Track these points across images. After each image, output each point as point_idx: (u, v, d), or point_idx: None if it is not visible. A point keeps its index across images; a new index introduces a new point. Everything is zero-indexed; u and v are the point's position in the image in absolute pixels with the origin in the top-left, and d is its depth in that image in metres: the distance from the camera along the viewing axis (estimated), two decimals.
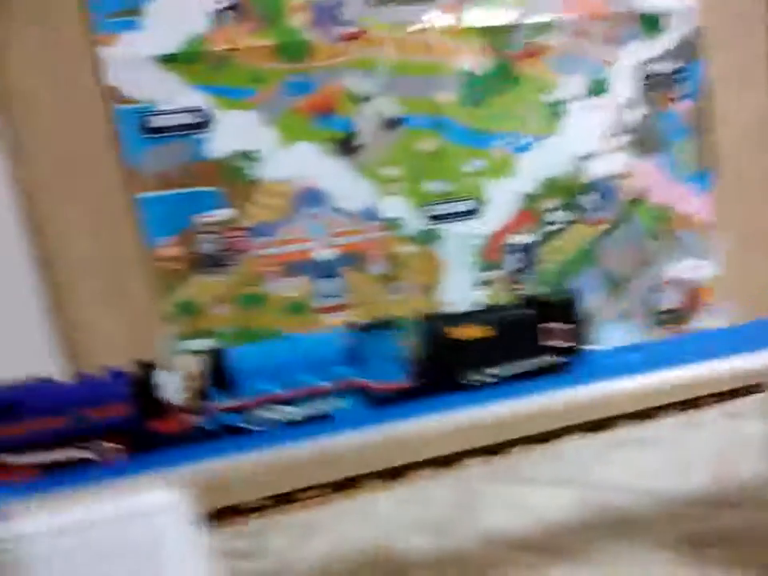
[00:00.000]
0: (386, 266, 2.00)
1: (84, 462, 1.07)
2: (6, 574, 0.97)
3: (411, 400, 1.19)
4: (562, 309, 1.26)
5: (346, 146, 1.94)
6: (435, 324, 1.23)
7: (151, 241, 1.84)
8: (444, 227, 2.03)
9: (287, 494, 1.76)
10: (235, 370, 1.13)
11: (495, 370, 1.22)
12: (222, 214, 1.88)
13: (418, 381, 1.20)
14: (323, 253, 1.96)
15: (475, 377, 1.22)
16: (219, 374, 1.13)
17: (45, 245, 1.77)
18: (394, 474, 1.94)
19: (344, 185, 1.95)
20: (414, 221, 2.01)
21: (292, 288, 1.95)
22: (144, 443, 1.10)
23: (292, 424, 1.13)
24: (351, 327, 1.21)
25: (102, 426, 1.07)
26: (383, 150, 1.97)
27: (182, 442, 1.11)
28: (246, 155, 1.88)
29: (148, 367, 1.12)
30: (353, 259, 1.98)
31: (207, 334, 1.89)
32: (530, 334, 1.24)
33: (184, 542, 1.03)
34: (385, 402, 1.18)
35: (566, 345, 1.25)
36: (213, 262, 1.88)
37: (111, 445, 1.08)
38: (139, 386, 1.10)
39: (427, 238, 2.02)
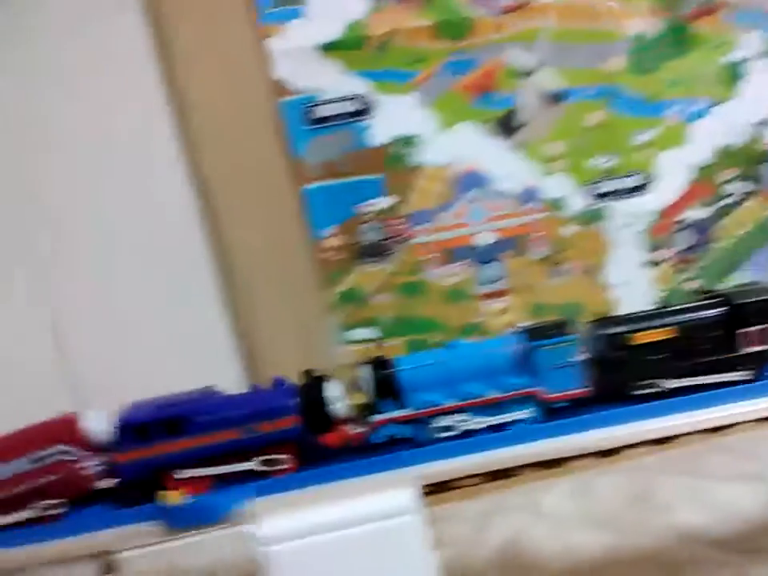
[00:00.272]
0: (548, 248, 1.94)
1: (254, 475, 1.09)
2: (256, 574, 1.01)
3: (586, 409, 1.14)
4: (760, 307, 1.14)
5: (507, 124, 1.88)
6: (613, 328, 1.17)
7: (316, 231, 1.88)
8: (610, 205, 1.93)
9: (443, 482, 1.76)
10: (403, 380, 1.12)
11: (679, 380, 1.15)
12: (384, 201, 1.88)
13: (593, 389, 1.15)
14: (483, 237, 1.93)
15: (655, 386, 1.15)
16: (386, 385, 1.12)
17: (220, 242, 1.85)
18: (549, 462, 1.89)
19: (505, 165, 1.89)
20: (578, 200, 1.93)
21: (452, 275, 1.93)
22: (312, 456, 1.10)
23: (464, 435, 1.12)
24: (521, 332, 1.17)
25: (272, 438, 1.08)
26: (546, 127, 1.89)
27: (351, 454, 1.11)
28: (407, 140, 1.86)
29: (316, 378, 1.13)
30: (513, 243, 1.93)
31: (370, 322, 1.92)
32: (721, 339, 1.14)
33: (420, 540, 1.04)
34: (559, 412, 1.14)
35: (762, 348, 1.14)
36: (375, 251, 1.90)
37: (281, 457, 1.09)
38: (308, 398, 1.10)
39: (592, 217, 1.94)
